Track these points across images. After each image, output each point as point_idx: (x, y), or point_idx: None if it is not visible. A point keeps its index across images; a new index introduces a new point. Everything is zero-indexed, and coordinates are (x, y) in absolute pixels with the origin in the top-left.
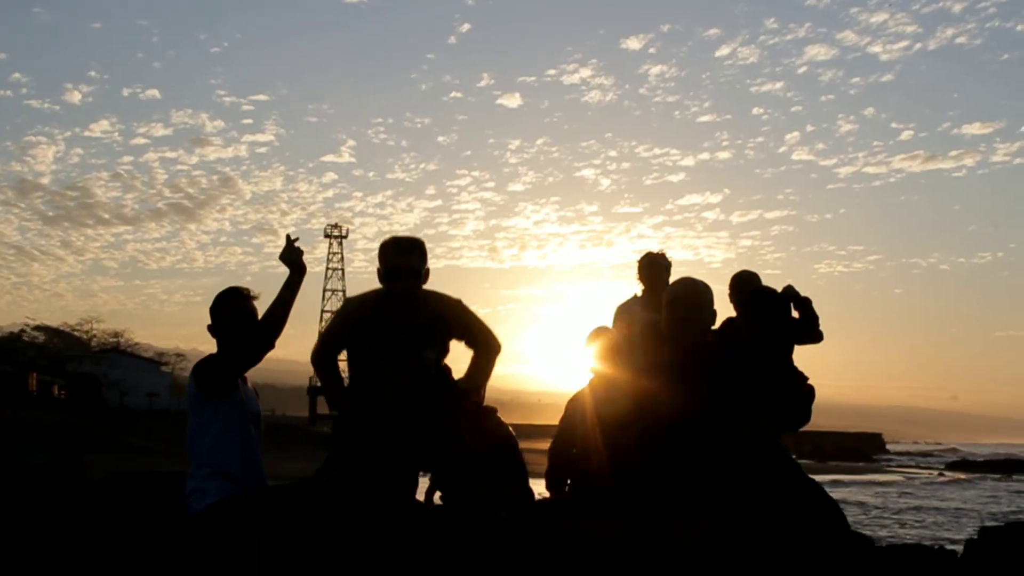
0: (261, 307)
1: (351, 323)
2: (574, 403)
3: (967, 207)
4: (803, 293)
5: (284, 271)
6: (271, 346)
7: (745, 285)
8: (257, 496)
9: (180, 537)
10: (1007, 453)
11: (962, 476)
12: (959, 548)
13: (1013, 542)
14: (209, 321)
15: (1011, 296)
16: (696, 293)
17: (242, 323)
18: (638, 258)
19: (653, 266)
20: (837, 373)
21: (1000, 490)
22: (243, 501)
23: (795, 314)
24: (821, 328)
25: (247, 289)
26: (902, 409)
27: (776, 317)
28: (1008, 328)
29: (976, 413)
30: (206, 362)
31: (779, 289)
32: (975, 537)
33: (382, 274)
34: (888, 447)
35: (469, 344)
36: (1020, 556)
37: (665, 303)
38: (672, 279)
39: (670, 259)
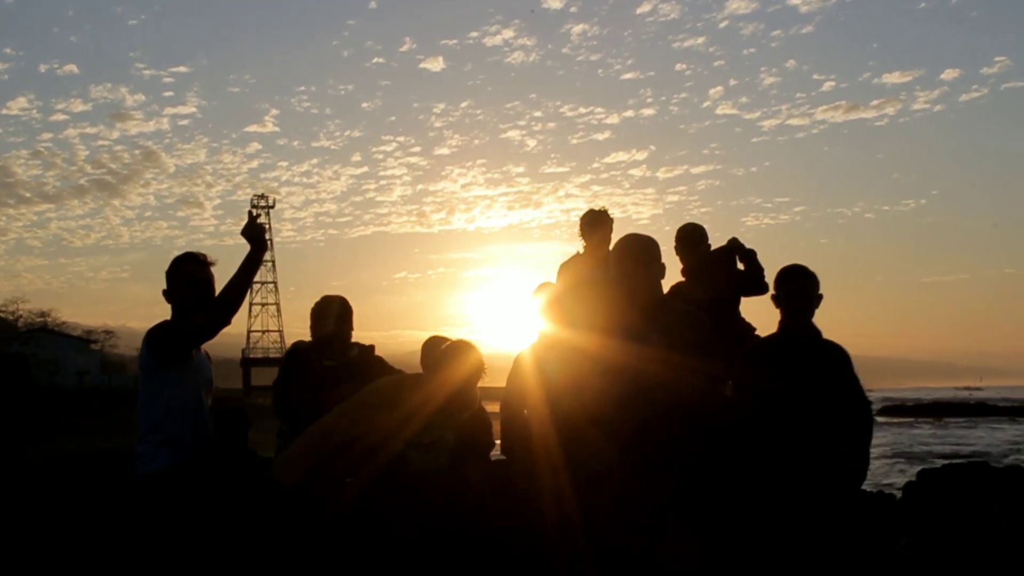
0: (216, 271)
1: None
2: (521, 363)
3: (890, 155)
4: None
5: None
6: (227, 322)
7: (691, 239)
8: (204, 462)
9: (126, 500)
10: (936, 397)
11: (894, 420)
12: (897, 492)
13: (951, 484)
14: (164, 287)
15: (936, 243)
16: (644, 247)
17: (197, 289)
18: (580, 215)
19: (596, 223)
20: (765, 325)
21: (932, 434)
22: (190, 467)
23: (740, 266)
24: (767, 280)
25: (204, 254)
26: None
27: (724, 273)
28: (934, 274)
29: (905, 358)
30: (160, 329)
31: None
32: (914, 480)
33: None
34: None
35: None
36: (958, 498)
37: (613, 260)
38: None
39: (612, 215)
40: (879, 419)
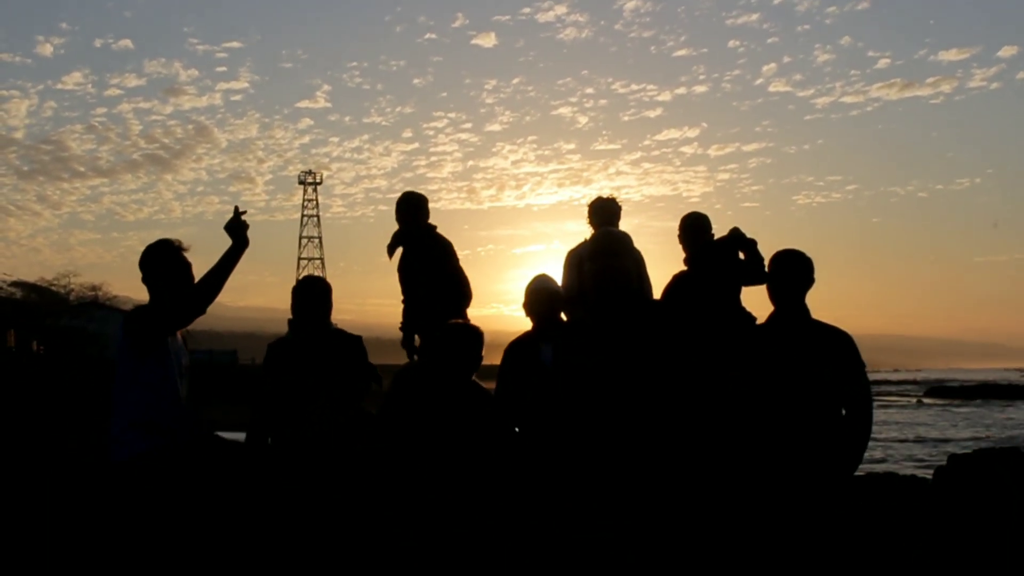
0: (190, 257)
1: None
2: (511, 353)
3: (944, 134)
4: (781, 227)
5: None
6: (202, 310)
7: (694, 228)
8: (177, 447)
9: (101, 485)
10: (983, 379)
11: (941, 402)
12: (929, 476)
13: (980, 469)
14: (141, 275)
15: (989, 222)
16: (616, 242)
17: (174, 274)
18: (588, 202)
19: (603, 211)
20: (815, 304)
21: (977, 416)
22: (165, 453)
23: (741, 256)
24: (767, 270)
25: (179, 240)
26: (882, 337)
27: (723, 263)
28: (987, 253)
29: (956, 339)
30: (138, 313)
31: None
32: (944, 465)
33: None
34: (868, 376)
35: None
36: (987, 483)
37: (588, 255)
38: (633, 219)
39: (620, 203)
40: (925, 400)
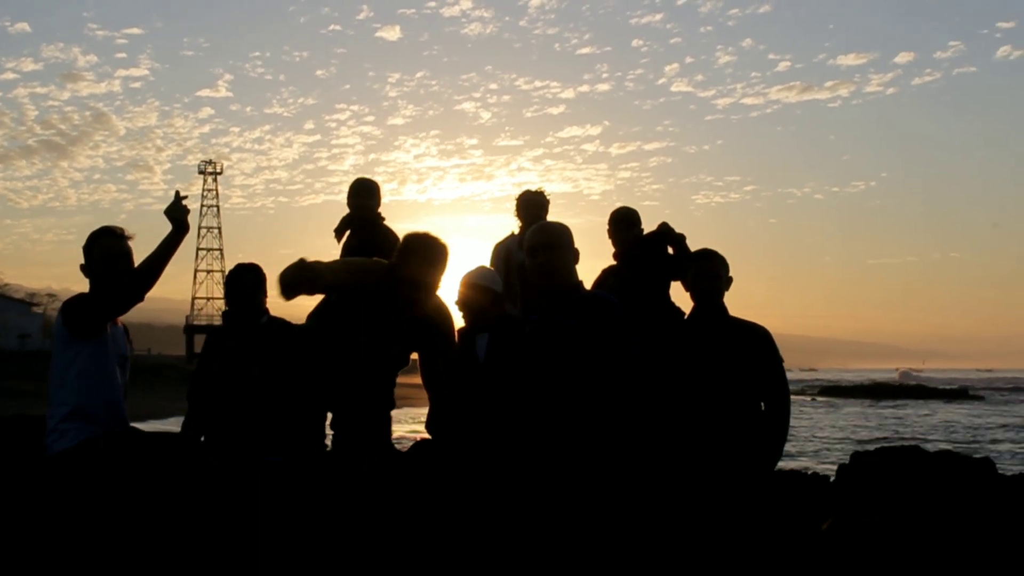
0: (134, 246)
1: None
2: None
3: (841, 137)
4: (680, 227)
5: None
6: (141, 297)
7: (623, 223)
8: (116, 438)
9: (38, 478)
10: (876, 379)
11: (834, 401)
12: (831, 474)
13: (882, 467)
14: (82, 260)
15: (883, 225)
16: (554, 234)
17: (114, 262)
18: (517, 195)
19: (531, 204)
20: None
21: (869, 415)
22: (101, 443)
23: (670, 251)
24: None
25: (121, 228)
26: (778, 337)
27: (653, 258)
28: (880, 256)
29: (850, 339)
30: (76, 301)
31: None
32: (847, 463)
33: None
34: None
35: (435, 355)
36: (889, 480)
37: (527, 247)
38: (550, 215)
39: (548, 197)
40: (819, 399)
